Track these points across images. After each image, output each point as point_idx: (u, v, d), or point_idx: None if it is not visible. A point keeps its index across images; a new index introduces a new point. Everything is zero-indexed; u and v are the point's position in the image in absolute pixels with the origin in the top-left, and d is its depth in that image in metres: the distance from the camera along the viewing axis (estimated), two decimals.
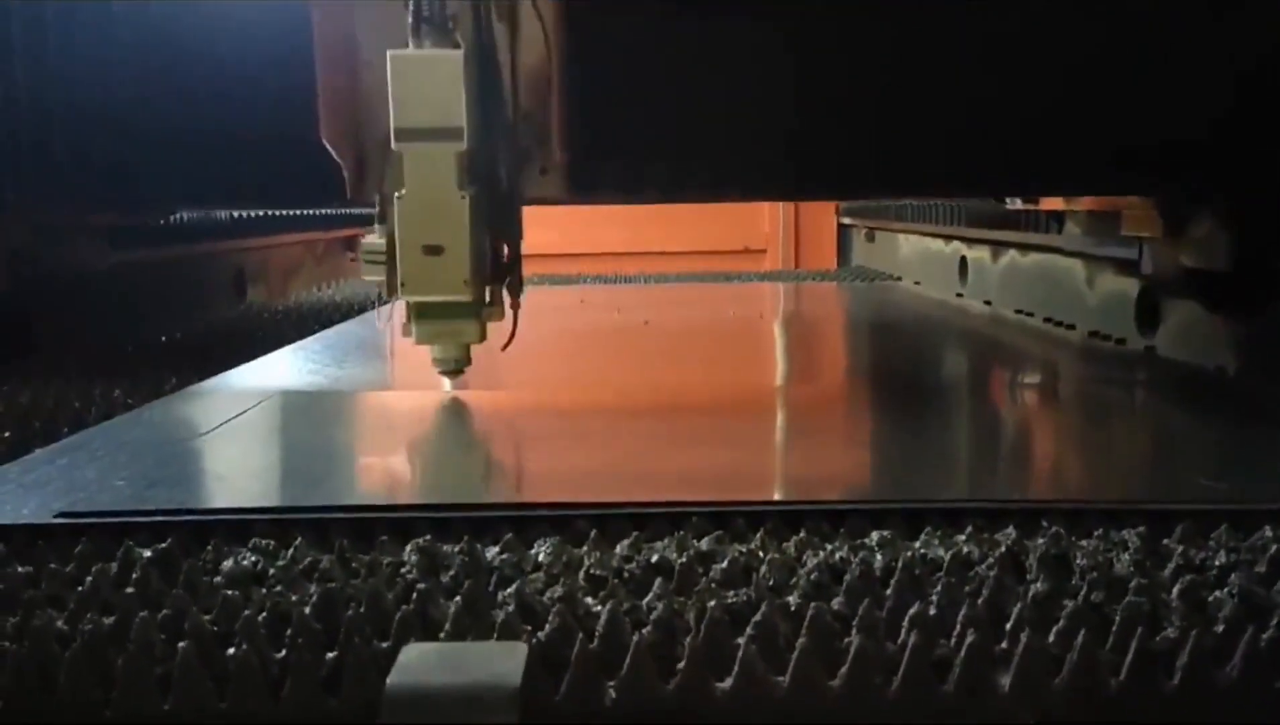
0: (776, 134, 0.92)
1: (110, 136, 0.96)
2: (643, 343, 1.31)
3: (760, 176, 0.95)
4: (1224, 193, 1.01)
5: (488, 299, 0.81)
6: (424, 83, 0.75)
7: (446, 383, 0.89)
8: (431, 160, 0.76)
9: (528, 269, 0.85)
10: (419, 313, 0.79)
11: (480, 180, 0.78)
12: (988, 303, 1.72)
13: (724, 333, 1.40)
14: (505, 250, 0.83)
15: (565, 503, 0.61)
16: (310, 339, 1.36)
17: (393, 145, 0.76)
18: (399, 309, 0.79)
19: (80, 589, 0.52)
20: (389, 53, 0.76)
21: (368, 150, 0.81)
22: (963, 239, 2.01)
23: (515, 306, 0.82)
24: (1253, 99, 0.91)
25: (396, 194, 0.76)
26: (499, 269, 0.83)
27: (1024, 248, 1.69)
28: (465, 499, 0.61)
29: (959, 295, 1.87)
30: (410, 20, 0.77)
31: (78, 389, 1.03)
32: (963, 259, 2.04)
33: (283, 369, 1.15)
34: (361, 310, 1.80)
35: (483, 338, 0.81)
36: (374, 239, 0.80)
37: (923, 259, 2.25)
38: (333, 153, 0.81)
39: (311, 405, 0.92)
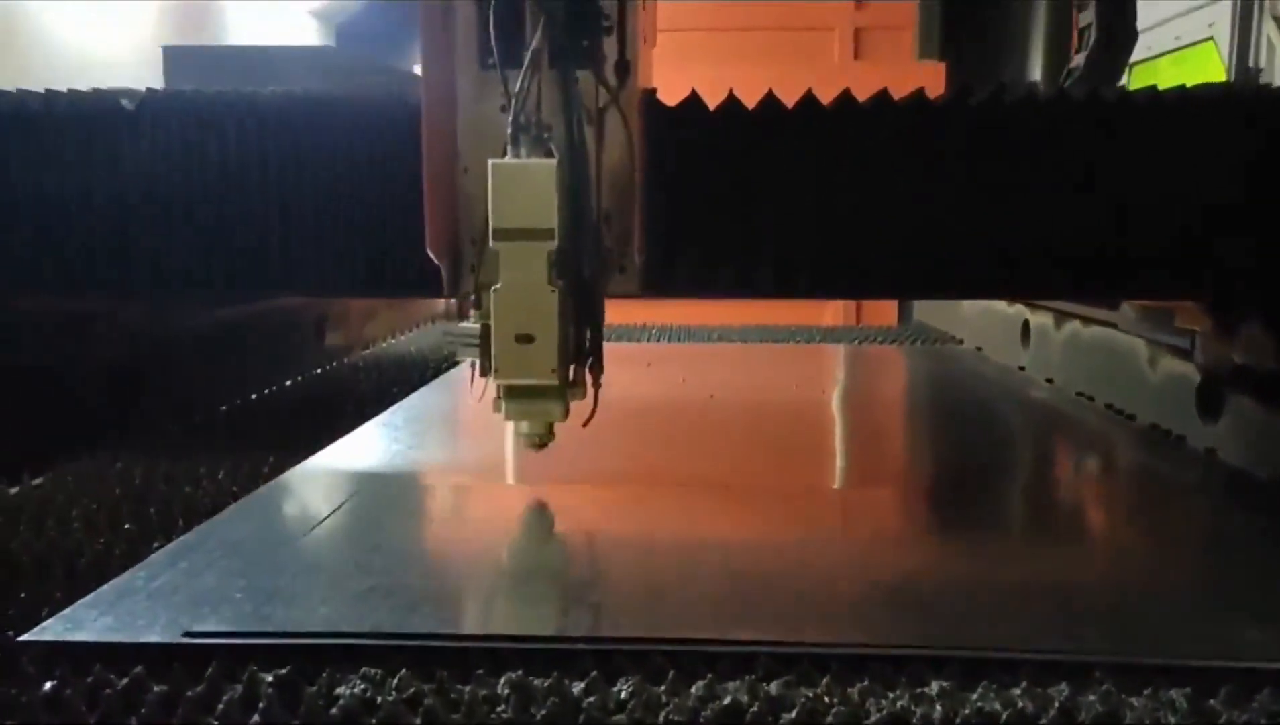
0: (836, 239, 1.00)
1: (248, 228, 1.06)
2: (709, 422, 1.36)
3: (819, 277, 1.02)
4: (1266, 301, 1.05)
5: (571, 379, 0.89)
6: (521, 188, 0.82)
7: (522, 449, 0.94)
8: (525, 257, 0.83)
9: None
10: (509, 393, 0.86)
11: (567, 274, 0.85)
12: (1049, 381, 1.74)
13: (789, 415, 1.44)
14: (588, 335, 0.91)
15: (644, 638, 0.66)
16: (394, 411, 1.43)
17: (490, 244, 0.83)
18: (489, 385, 0.88)
19: (211, 717, 0.58)
20: (491, 162, 0.82)
21: (464, 251, 0.90)
22: (1026, 303, 2.03)
23: (596, 386, 0.90)
24: None
25: (493, 287, 0.83)
26: (582, 353, 0.90)
27: (1085, 320, 1.71)
28: (552, 630, 0.67)
29: (1021, 368, 1.89)
30: (510, 130, 0.84)
31: (184, 467, 1.11)
32: (1025, 323, 2.05)
33: (371, 446, 1.22)
34: (434, 365, 1.87)
35: (565, 416, 0.89)
36: (469, 324, 0.88)
37: (985, 320, 2.26)
38: (434, 258, 0.89)
39: (399, 498, 0.98)
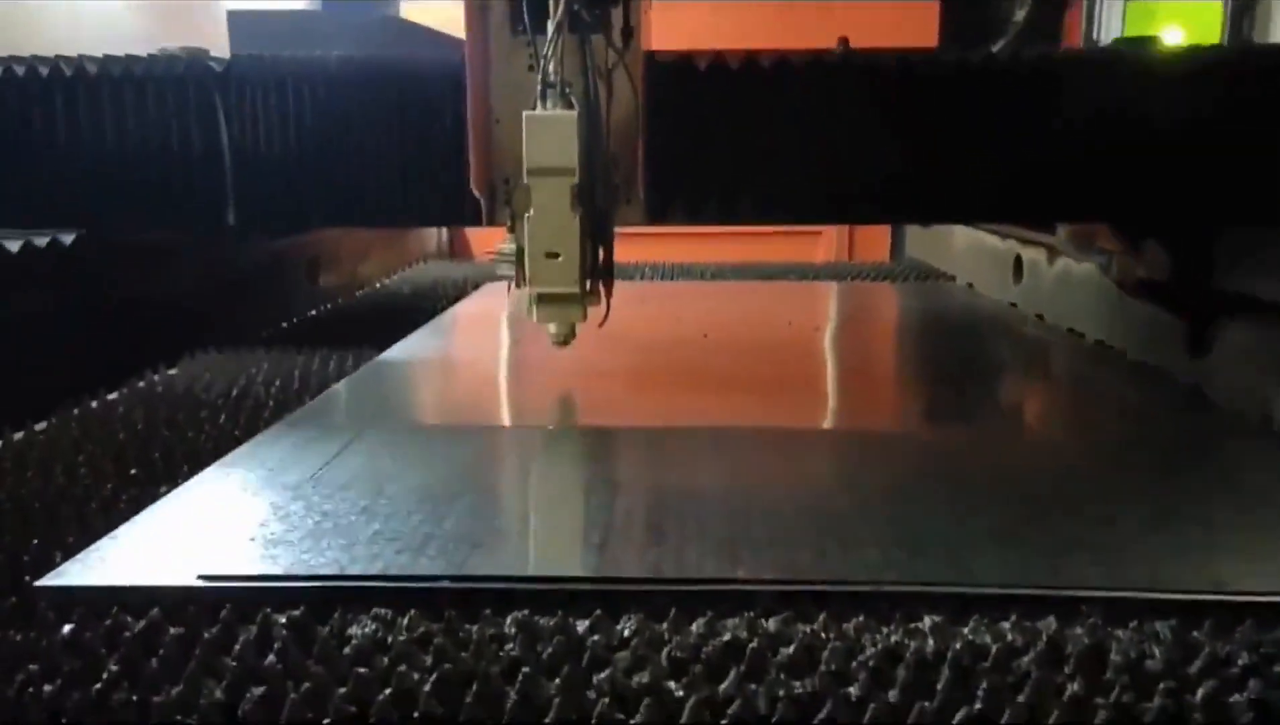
0: (807, 174, 1.19)
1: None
2: (707, 361, 1.37)
3: (798, 205, 1.23)
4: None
5: (589, 289, 1.11)
6: (548, 135, 1.04)
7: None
8: (552, 189, 1.04)
9: None
10: (540, 300, 1.08)
11: (585, 204, 1.07)
12: (1040, 317, 1.75)
13: (782, 353, 1.46)
14: (601, 254, 1.13)
15: (648, 578, 0.67)
16: (392, 351, 1.44)
17: (524, 180, 1.05)
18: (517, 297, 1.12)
19: (229, 658, 0.60)
20: (525, 113, 1.03)
21: (498, 188, 1.12)
22: (1017, 238, 2.03)
23: (609, 295, 1.14)
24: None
25: (526, 214, 1.05)
26: (597, 268, 1.12)
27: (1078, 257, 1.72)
28: (560, 571, 0.69)
29: (1012, 304, 1.90)
30: (539, 87, 1.05)
31: (185, 413, 1.12)
32: (1018, 258, 2.05)
33: (371, 388, 1.24)
34: (431, 301, 1.88)
35: (585, 318, 1.12)
36: (506, 246, 1.10)
37: (976, 254, 2.27)
38: (477, 195, 1.11)
39: (401, 439, 1.00)
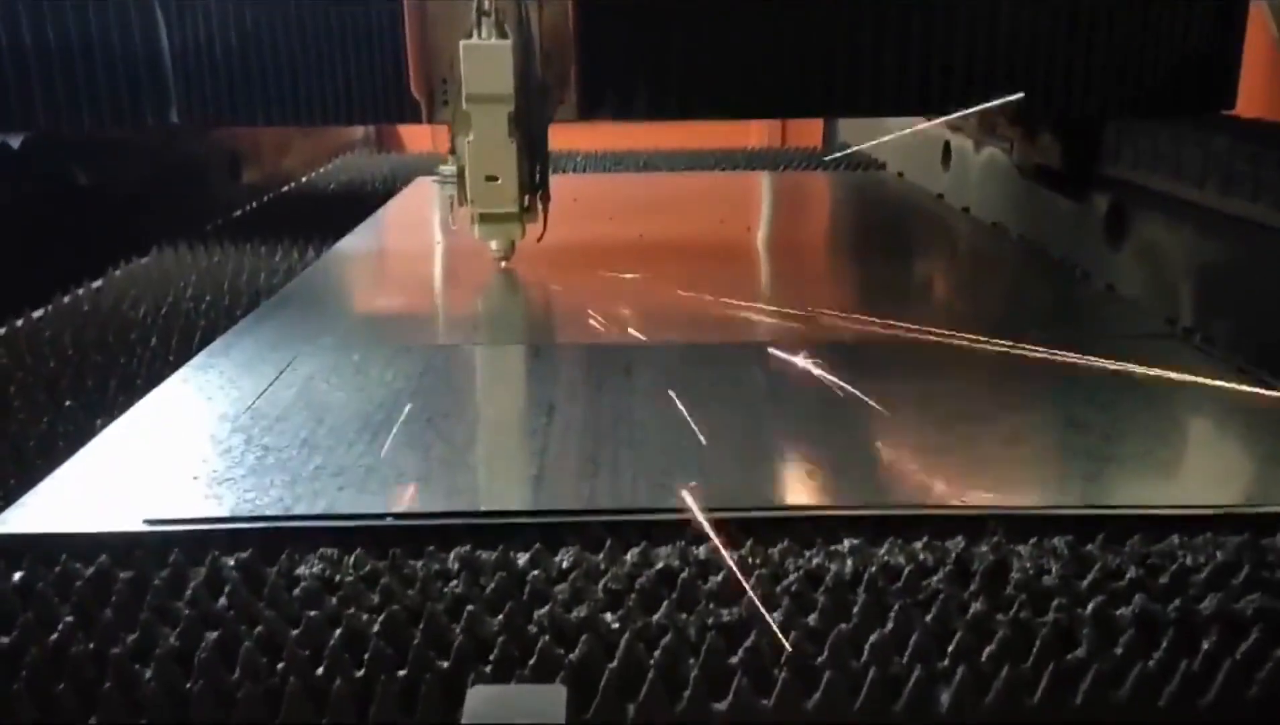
0: (726, 70, 1.28)
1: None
2: (641, 263, 1.39)
3: (723, 100, 1.31)
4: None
5: (527, 205, 1.22)
6: (485, 63, 1.11)
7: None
8: (491, 115, 1.12)
9: None
10: (481, 218, 1.20)
11: (522, 125, 1.16)
12: (965, 210, 1.79)
13: (713, 258, 1.48)
14: (538, 171, 1.23)
15: (584, 510, 0.71)
16: (325, 258, 1.43)
17: (463, 106, 1.12)
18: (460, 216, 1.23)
19: (181, 603, 0.62)
20: (461, 43, 1.11)
21: (436, 88, 1.18)
22: (946, 123, 2.05)
23: (545, 212, 1.25)
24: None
25: (466, 139, 1.14)
26: (534, 184, 1.22)
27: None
28: (499, 506, 0.71)
29: (940, 196, 1.93)
30: (474, 16, 1.12)
31: (115, 332, 1.11)
32: (946, 144, 2.07)
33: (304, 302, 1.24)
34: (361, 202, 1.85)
35: (524, 235, 1.24)
36: (448, 167, 1.20)
37: (906, 142, 2.28)
38: (417, 96, 1.18)
39: (338, 360, 1.00)
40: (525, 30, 1.14)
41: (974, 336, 1.06)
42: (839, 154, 2.48)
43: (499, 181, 1.14)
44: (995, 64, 1.28)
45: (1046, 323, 1.17)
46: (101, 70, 1.26)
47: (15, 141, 1.37)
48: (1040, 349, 1.00)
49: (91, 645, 0.59)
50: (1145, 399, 0.90)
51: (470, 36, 1.12)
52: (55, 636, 0.59)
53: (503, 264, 1.30)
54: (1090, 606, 0.62)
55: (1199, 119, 1.27)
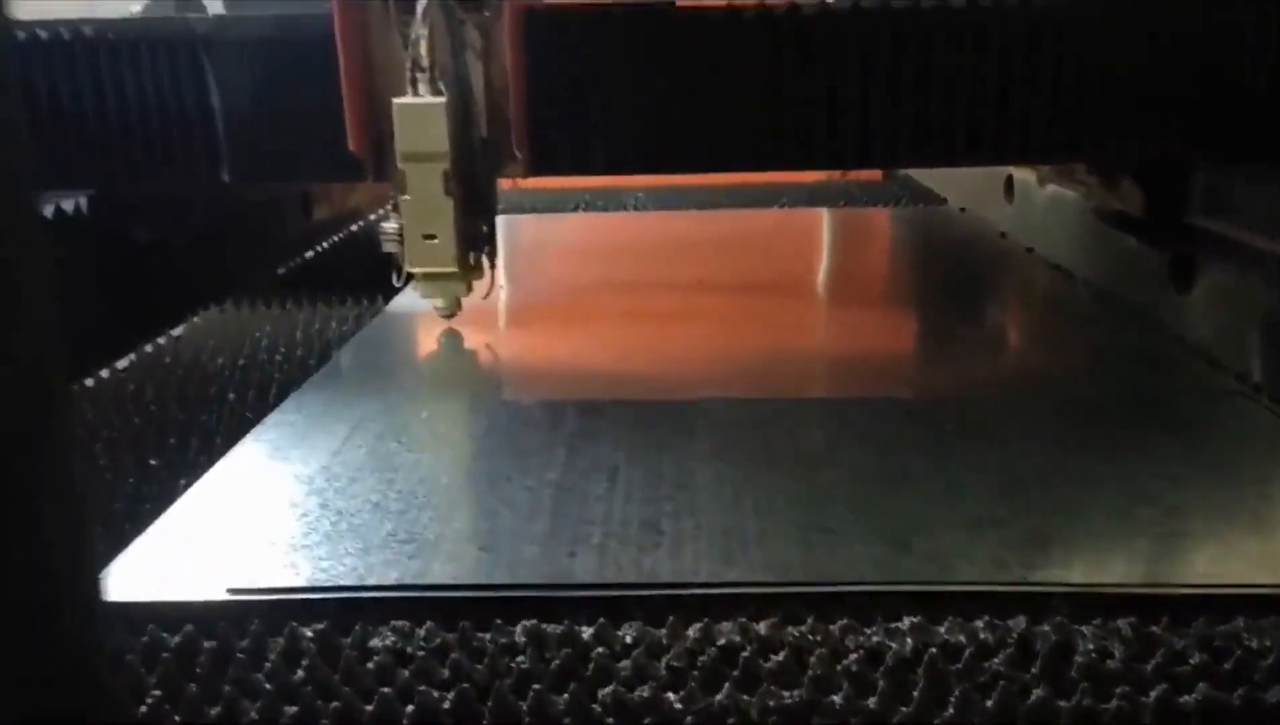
0: (692, 122, 1.26)
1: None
2: (701, 313, 1.40)
3: (680, 156, 1.29)
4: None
5: (472, 264, 1.23)
6: (418, 122, 1.11)
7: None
8: (426, 174, 1.12)
9: None
10: (423, 278, 1.22)
11: (463, 182, 1.16)
12: (1030, 251, 1.77)
13: (777, 305, 1.49)
14: (484, 228, 1.23)
15: (645, 583, 0.72)
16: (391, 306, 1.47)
17: (398, 165, 1.13)
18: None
19: (262, 674, 0.65)
20: (394, 101, 1.12)
21: (386, 143, 1.17)
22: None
23: (493, 267, 1.26)
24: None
25: (403, 197, 1.14)
26: (480, 242, 1.23)
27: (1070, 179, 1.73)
28: (562, 579, 0.73)
29: (1003, 234, 1.92)
30: (409, 73, 1.13)
31: (195, 387, 1.16)
32: (1009, 178, 2.06)
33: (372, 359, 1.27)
34: None
35: (469, 292, 1.26)
36: (390, 225, 1.19)
37: (968, 174, 2.26)
38: (359, 155, 1.19)
39: (405, 427, 1.03)
40: (464, 86, 1.15)
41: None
42: (898, 188, 2.47)
43: (436, 240, 1.14)
44: (1075, 112, 1.25)
45: (1116, 379, 1.16)
46: (156, 131, 1.30)
47: (84, 199, 1.43)
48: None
49: (178, 720, 0.62)
50: (1209, 465, 0.89)
51: (405, 95, 1.13)
52: (144, 710, 0.62)
53: (447, 317, 1.30)
54: (1153, 694, 0.62)
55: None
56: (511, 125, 1.19)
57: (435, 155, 1.11)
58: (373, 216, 2.37)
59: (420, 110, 1.12)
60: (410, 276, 1.22)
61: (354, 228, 2.27)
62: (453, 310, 1.28)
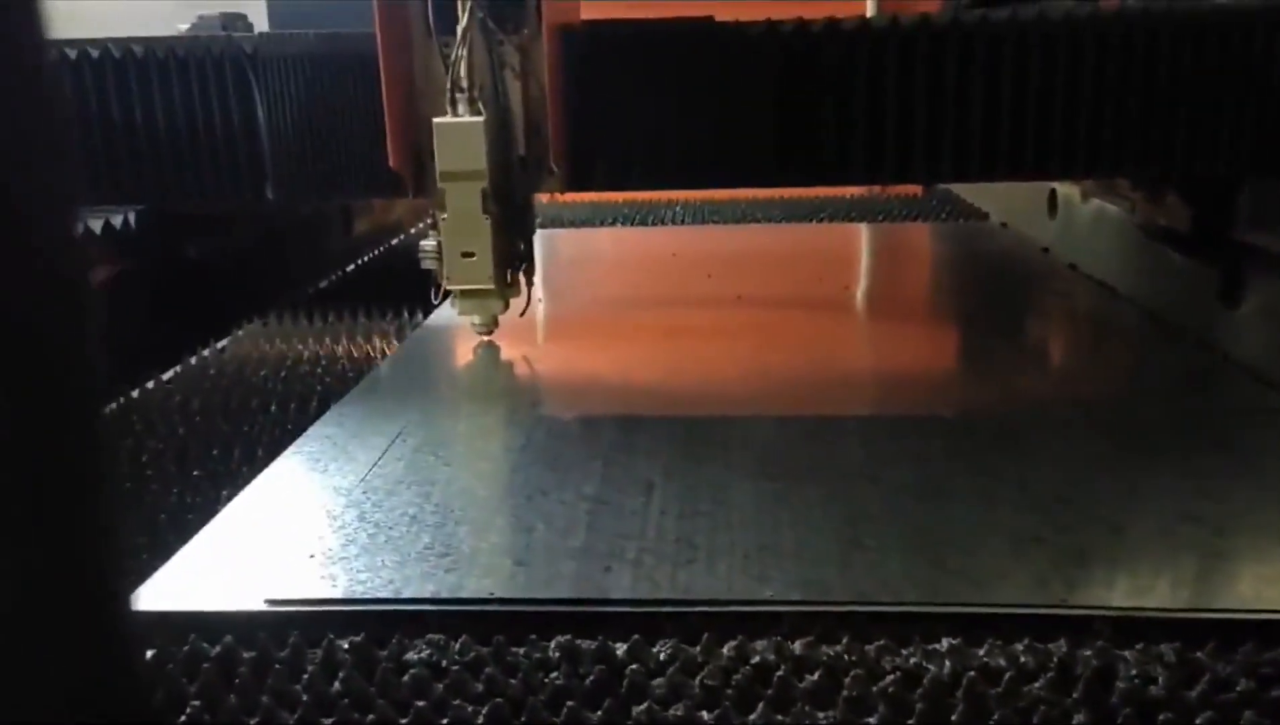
0: (728, 138, 1.25)
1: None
2: (739, 329, 1.40)
3: (716, 172, 1.28)
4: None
5: (509, 281, 1.24)
6: (457, 141, 1.13)
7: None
8: (464, 192, 1.14)
9: None
10: (460, 295, 1.22)
11: (501, 200, 1.17)
12: (1073, 267, 1.75)
13: (815, 322, 1.48)
14: (522, 246, 1.25)
15: (680, 599, 0.72)
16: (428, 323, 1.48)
17: (437, 183, 1.15)
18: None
19: (299, 686, 0.66)
20: (435, 121, 1.14)
21: (425, 161, 1.20)
22: None
23: (530, 285, 1.27)
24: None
25: (441, 215, 1.16)
26: (516, 259, 1.24)
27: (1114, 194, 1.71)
28: (596, 594, 0.73)
29: (1045, 249, 1.90)
30: (448, 93, 1.15)
31: (238, 399, 1.17)
32: (1052, 192, 2.03)
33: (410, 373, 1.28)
34: None
35: (506, 309, 1.26)
36: (429, 242, 1.21)
37: (1010, 188, 2.24)
38: (399, 172, 1.20)
39: (444, 440, 1.04)
40: (503, 105, 1.15)
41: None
42: (937, 202, 2.45)
43: (474, 257, 1.16)
44: (1120, 127, 1.22)
45: (1160, 397, 1.14)
46: (204, 148, 1.31)
47: (133, 214, 1.46)
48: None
49: None
50: (1257, 484, 0.88)
51: (445, 115, 1.13)
52: (184, 719, 0.63)
53: (484, 337, 1.30)
54: (1198, 722, 0.61)
55: None
56: (549, 142, 1.19)
57: (474, 174, 1.13)
58: (413, 231, 2.39)
59: (460, 130, 1.13)
60: (448, 293, 1.23)
61: (394, 242, 2.29)
62: (490, 327, 1.28)
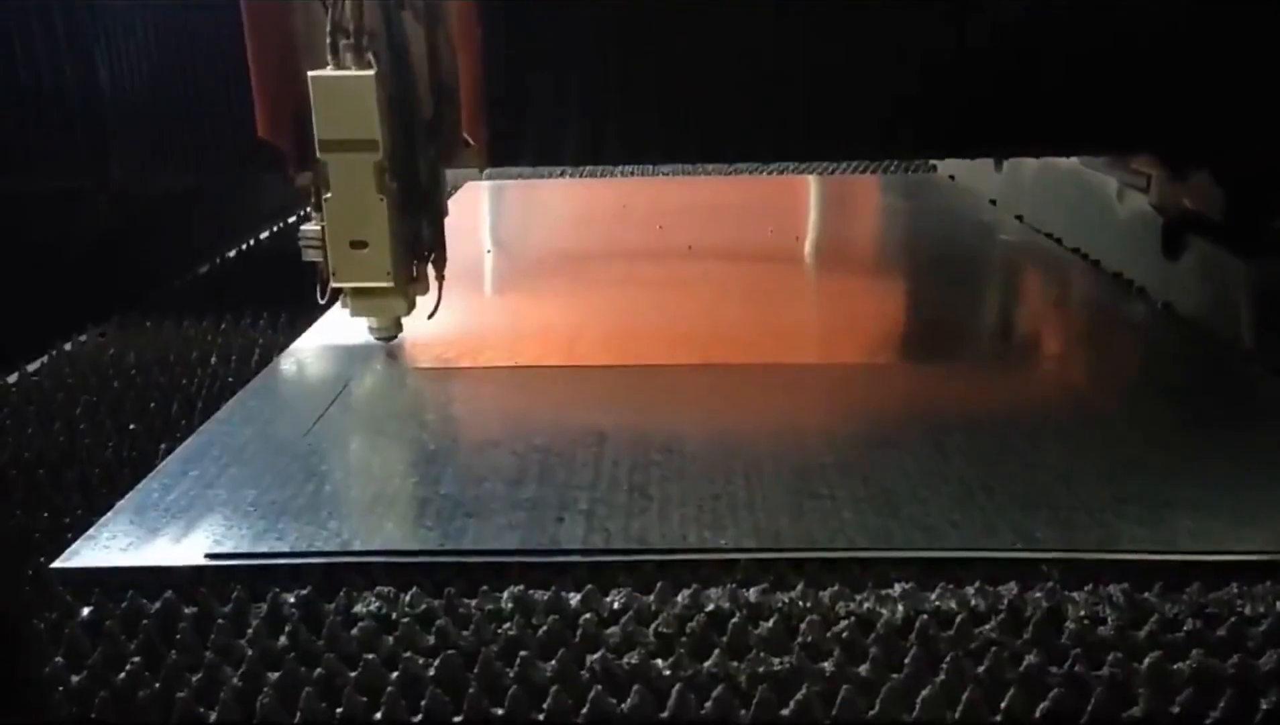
0: (660, 104, 1.05)
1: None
2: (689, 281, 1.39)
3: (671, 145, 1.11)
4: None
5: (415, 275, 0.98)
6: (341, 101, 0.88)
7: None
8: (353, 167, 0.90)
9: None
10: (353, 293, 0.96)
11: (401, 177, 0.91)
12: (1019, 217, 1.76)
13: (764, 272, 1.48)
14: (429, 231, 0.98)
15: (633, 548, 0.71)
16: None
17: (317, 155, 0.89)
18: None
19: (243, 641, 0.64)
20: (309, 74, 0.88)
21: (308, 127, 0.92)
22: None
23: (440, 279, 0.99)
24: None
25: (325, 195, 0.90)
26: (424, 249, 0.98)
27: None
28: (550, 543, 0.72)
29: (992, 201, 1.90)
30: (329, 40, 0.87)
31: (175, 350, 1.13)
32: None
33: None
34: None
35: (411, 310, 0.99)
36: (312, 227, 0.95)
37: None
38: (272, 143, 0.95)
39: (389, 388, 1.02)
40: (402, 55, 0.88)
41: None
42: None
43: (367, 249, 0.91)
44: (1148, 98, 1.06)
45: (1112, 350, 1.15)
46: (31, 117, 1.11)
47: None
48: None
49: (158, 686, 0.60)
50: (1206, 437, 0.89)
51: (326, 67, 0.87)
52: (123, 677, 0.61)
53: (386, 344, 1.06)
54: (1146, 661, 0.62)
55: None
56: (463, 106, 0.95)
57: (364, 143, 0.89)
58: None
59: (343, 85, 0.88)
60: (338, 292, 0.98)
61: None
62: (392, 332, 1.04)
